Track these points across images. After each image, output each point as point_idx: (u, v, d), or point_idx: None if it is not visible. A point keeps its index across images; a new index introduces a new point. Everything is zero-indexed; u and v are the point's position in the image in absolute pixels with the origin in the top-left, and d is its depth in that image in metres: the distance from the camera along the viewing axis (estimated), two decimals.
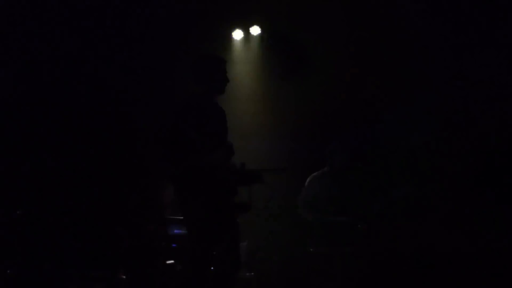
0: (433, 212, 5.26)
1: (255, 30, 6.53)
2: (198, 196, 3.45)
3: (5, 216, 4.64)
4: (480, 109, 5.70)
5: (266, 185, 3.93)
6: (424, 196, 5.37)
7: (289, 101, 6.32)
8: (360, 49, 6.07)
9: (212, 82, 3.72)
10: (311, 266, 5.11)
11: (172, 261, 4.83)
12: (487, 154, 5.42)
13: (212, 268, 3.62)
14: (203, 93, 3.72)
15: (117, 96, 5.81)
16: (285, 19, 6.23)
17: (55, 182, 5.01)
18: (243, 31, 6.53)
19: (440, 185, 5.47)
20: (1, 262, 4.52)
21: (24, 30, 5.53)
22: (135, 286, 4.60)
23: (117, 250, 4.70)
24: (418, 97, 5.78)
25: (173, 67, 5.79)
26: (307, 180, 5.47)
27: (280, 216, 5.47)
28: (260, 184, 3.89)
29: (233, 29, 6.51)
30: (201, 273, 3.44)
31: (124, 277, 4.70)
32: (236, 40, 6.53)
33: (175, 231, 4.98)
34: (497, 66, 5.63)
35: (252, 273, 5.38)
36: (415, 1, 5.90)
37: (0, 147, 5.15)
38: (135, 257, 4.64)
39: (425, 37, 5.85)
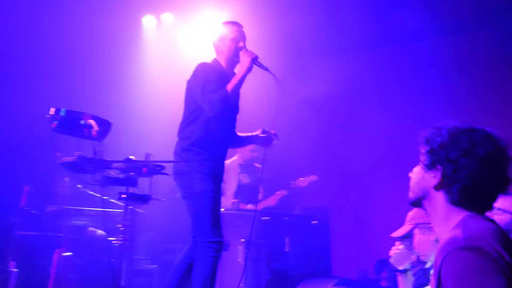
0: None
1: (168, 17, 6.40)
2: None
3: None
4: None
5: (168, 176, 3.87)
6: None
7: None
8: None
9: None
10: None
11: (70, 253, 4.66)
12: None
13: None
14: None
15: None
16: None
17: None
18: (155, 17, 6.37)
19: None
20: None
21: None
22: (27, 279, 4.39)
23: (7, 241, 4.46)
24: None
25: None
26: None
27: (182, 206, 5.41)
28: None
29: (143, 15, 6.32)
30: None
31: (16, 270, 4.47)
32: (147, 26, 6.36)
33: (73, 222, 4.81)
34: None
35: (155, 265, 5.32)
36: None
37: None
38: (27, 249, 4.42)
39: None
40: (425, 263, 2.84)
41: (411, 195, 1.84)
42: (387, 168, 6.48)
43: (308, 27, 6.13)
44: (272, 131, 3.85)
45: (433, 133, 1.78)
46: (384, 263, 5.26)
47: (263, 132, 3.85)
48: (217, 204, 3.56)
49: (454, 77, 6.43)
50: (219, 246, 3.43)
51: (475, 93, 6.33)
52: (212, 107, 3.45)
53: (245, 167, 5.86)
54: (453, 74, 6.45)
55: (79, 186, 5.11)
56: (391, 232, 2.98)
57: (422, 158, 1.81)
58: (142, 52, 6.03)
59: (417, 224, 2.83)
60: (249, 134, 3.92)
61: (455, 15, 6.37)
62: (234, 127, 3.88)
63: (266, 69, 3.61)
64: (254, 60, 3.55)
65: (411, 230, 2.85)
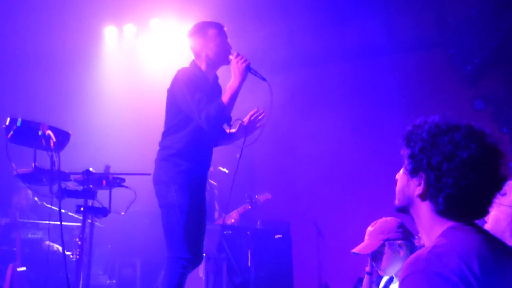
0: None
1: (130, 28, 6.34)
2: None
3: None
4: None
5: (128, 189, 3.80)
6: None
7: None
8: None
9: None
10: None
11: (24, 268, 4.50)
12: None
13: None
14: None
15: None
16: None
17: None
18: (116, 28, 6.30)
19: None
20: None
21: None
22: None
23: None
24: None
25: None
26: None
27: (142, 220, 5.33)
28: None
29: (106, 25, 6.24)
30: None
31: None
32: (108, 36, 6.28)
33: (29, 235, 4.65)
34: None
35: (114, 280, 5.20)
36: None
37: None
38: None
39: None
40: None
41: (396, 202, 1.69)
42: (348, 181, 6.56)
43: (268, 40, 6.18)
44: (247, 120, 3.55)
45: (413, 134, 1.60)
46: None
47: (242, 122, 3.56)
48: (194, 218, 3.30)
49: (413, 92, 6.59)
50: (187, 262, 3.22)
51: (433, 108, 6.50)
52: (210, 121, 3.22)
53: None
54: (412, 89, 6.61)
55: (35, 199, 4.96)
56: (353, 246, 2.93)
57: (405, 162, 1.63)
58: (103, 63, 5.94)
59: (386, 240, 2.75)
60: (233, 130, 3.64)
61: (413, 33, 6.56)
62: (221, 133, 3.66)
63: (262, 78, 3.36)
64: (248, 68, 3.32)
65: (380, 246, 2.75)
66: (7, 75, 5.08)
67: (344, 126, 6.75)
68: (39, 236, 4.75)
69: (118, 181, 3.78)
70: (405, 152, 1.62)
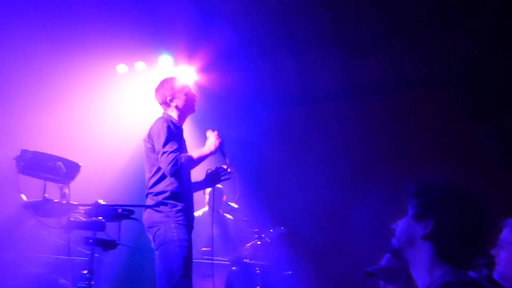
0: None
1: (140, 66, 6.44)
2: None
3: None
4: None
5: (136, 221, 3.76)
6: None
7: None
8: None
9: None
10: None
11: None
12: None
13: None
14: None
15: None
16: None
17: None
18: (127, 65, 6.40)
19: None
20: None
21: None
22: None
23: None
24: None
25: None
26: None
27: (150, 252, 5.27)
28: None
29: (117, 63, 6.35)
30: None
31: None
32: (120, 73, 6.38)
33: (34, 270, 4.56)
34: None
35: None
36: None
37: None
38: None
39: None
40: None
41: (395, 243, 1.89)
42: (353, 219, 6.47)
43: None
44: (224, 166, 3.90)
45: (425, 187, 1.86)
46: None
47: (210, 171, 3.90)
48: (191, 254, 3.54)
49: (418, 129, 6.60)
50: None
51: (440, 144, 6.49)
52: (175, 167, 3.52)
53: (215, 217, 5.77)
54: (417, 127, 6.62)
55: (43, 232, 4.90)
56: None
57: (412, 209, 1.87)
58: (115, 98, 6.00)
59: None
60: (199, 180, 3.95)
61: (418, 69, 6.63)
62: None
63: (225, 159, 3.81)
64: (219, 147, 3.74)
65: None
66: (20, 107, 5.14)
67: (346, 165, 6.76)
68: (44, 271, 4.65)
69: (127, 213, 3.75)
70: (415, 200, 1.87)
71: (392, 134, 6.67)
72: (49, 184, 3.82)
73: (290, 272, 5.64)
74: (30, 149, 3.75)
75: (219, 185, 5.72)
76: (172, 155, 3.50)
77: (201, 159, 3.70)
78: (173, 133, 3.63)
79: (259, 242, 5.43)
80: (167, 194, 3.59)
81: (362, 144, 6.76)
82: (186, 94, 3.85)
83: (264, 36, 6.24)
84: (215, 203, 5.66)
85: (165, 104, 3.87)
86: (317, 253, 6.58)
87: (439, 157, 6.23)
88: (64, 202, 3.69)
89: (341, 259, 6.44)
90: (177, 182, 3.60)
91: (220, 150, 3.74)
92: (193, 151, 3.76)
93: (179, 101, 3.82)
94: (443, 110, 6.53)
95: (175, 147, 3.55)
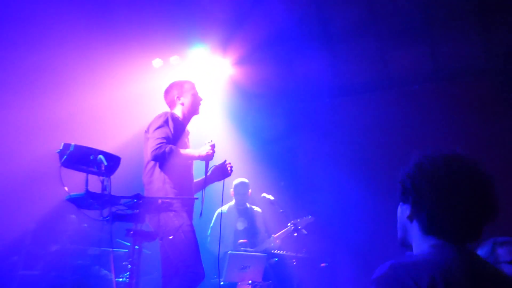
0: None
1: (175, 60, 6.49)
2: None
3: None
4: None
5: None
6: None
7: None
8: None
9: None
10: None
11: None
12: None
13: None
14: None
15: None
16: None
17: None
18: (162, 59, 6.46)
19: None
20: None
21: None
22: None
23: (10, 282, 4.33)
24: None
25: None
26: (214, 215, 5.48)
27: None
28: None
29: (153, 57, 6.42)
30: None
31: None
32: (156, 68, 6.44)
33: (77, 262, 4.69)
34: None
35: None
36: None
37: None
38: None
39: None
40: None
41: (398, 235, 1.79)
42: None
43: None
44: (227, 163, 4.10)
45: (402, 171, 1.75)
46: None
47: (215, 166, 4.08)
48: (195, 237, 3.73)
49: (459, 120, 6.46)
50: (197, 277, 3.56)
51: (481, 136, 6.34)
52: (160, 154, 3.71)
53: (242, 211, 5.81)
54: (457, 117, 6.48)
55: (85, 225, 5.02)
56: None
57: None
58: (151, 92, 6.07)
59: None
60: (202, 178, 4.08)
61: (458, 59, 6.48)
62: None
63: (206, 174, 3.98)
64: (209, 159, 3.93)
65: None
66: (64, 102, 5.25)
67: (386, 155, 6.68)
68: (87, 262, 4.77)
69: (166, 205, 3.79)
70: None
71: (429, 124, 6.55)
72: (91, 177, 3.89)
73: (326, 264, 5.63)
74: (72, 143, 3.83)
75: (245, 179, 5.79)
76: (158, 141, 3.72)
77: (187, 157, 3.89)
78: (168, 124, 3.85)
79: (295, 234, 5.42)
80: (171, 184, 3.80)
81: (400, 136, 6.67)
82: (193, 95, 4.11)
83: (300, 27, 6.20)
84: (241, 197, 5.72)
85: (172, 102, 4.13)
86: (353, 245, 6.54)
87: (478, 149, 6.08)
88: (105, 194, 3.75)
89: (376, 250, 6.39)
90: (177, 171, 3.81)
91: (206, 160, 3.91)
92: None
93: (185, 100, 4.09)
94: (482, 99, 6.37)
95: (164, 135, 3.75)
